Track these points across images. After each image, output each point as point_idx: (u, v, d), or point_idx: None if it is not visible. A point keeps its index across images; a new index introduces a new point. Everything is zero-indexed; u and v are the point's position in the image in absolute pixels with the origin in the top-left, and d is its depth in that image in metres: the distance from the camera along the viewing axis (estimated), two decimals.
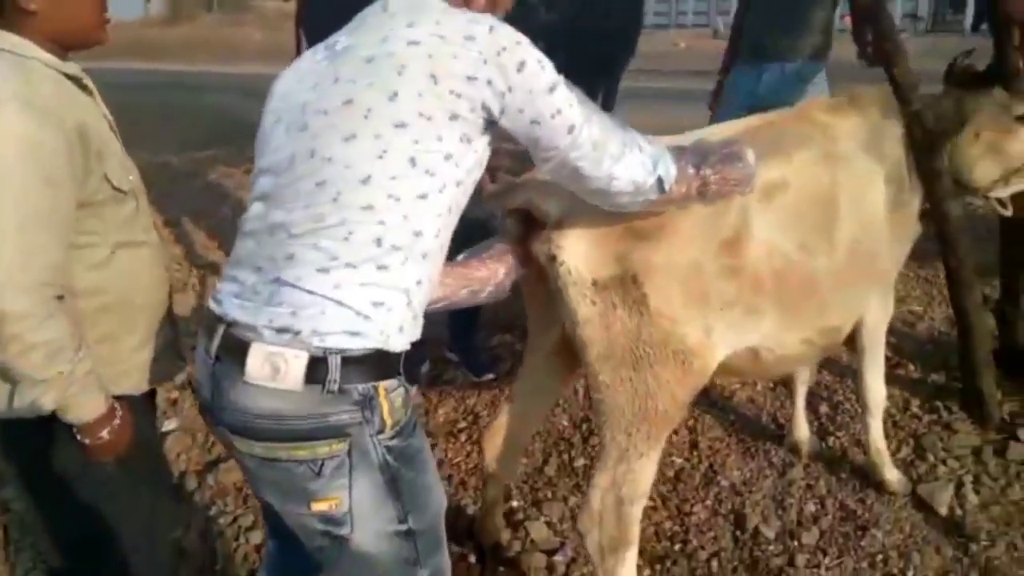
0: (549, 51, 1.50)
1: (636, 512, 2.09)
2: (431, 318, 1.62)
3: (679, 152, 1.76)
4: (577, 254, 1.93)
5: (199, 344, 1.54)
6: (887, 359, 3.43)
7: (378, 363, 1.43)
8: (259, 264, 1.47)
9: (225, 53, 23.53)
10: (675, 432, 3.13)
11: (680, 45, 23.04)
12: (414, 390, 3.45)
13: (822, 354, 2.48)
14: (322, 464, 1.44)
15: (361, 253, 1.40)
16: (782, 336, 2.22)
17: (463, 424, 3.30)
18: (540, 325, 2.31)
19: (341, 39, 1.56)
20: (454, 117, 1.42)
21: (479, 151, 1.51)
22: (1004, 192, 2.66)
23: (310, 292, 1.39)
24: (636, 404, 2.03)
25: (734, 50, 3.84)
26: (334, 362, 1.38)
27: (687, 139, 2.08)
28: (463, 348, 3.66)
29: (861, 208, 2.30)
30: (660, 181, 1.65)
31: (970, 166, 2.60)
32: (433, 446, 3.16)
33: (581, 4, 5.43)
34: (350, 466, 1.45)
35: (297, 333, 1.38)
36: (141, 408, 1.94)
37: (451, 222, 1.54)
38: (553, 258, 1.93)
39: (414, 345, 3.31)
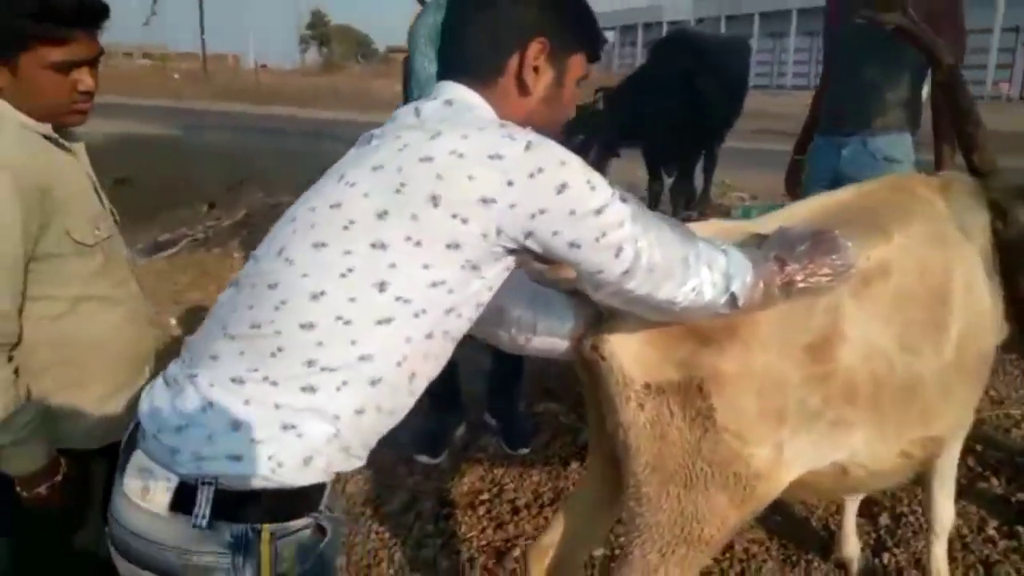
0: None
1: None
2: (473, 376, 1.28)
3: (757, 249, 1.43)
4: (628, 353, 1.55)
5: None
6: (968, 469, 2.98)
7: (266, 500, 1.15)
8: (191, 356, 1.23)
9: (366, 102, 24.02)
10: None
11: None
12: (442, 458, 3.12)
13: (921, 468, 2.01)
14: None
15: (286, 371, 1.16)
16: (876, 450, 1.77)
17: (486, 496, 2.94)
18: (598, 423, 1.80)
19: (376, 133, 1.29)
20: (453, 246, 1.17)
21: (489, 277, 1.25)
22: None
23: (210, 404, 1.16)
24: (680, 526, 1.62)
25: (812, 125, 3.43)
26: (205, 493, 1.13)
27: (768, 222, 1.70)
28: (501, 414, 3.32)
29: (974, 298, 1.87)
30: (733, 298, 1.34)
31: None
32: (448, 517, 2.82)
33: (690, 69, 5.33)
34: None
35: (175, 452, 1.15)
36: (104, 463, 1.74)
37: (434, 350, 1.25)
38: (599, 353, 1.56)
39: (450, 408, 2.90)
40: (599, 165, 5.06)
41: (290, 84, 27.29)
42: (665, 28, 40.32)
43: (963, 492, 2.83)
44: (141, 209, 8.64)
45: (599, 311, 1.56)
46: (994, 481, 2.90)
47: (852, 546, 2.53)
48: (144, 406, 1.23)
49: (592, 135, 5.00)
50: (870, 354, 1.66)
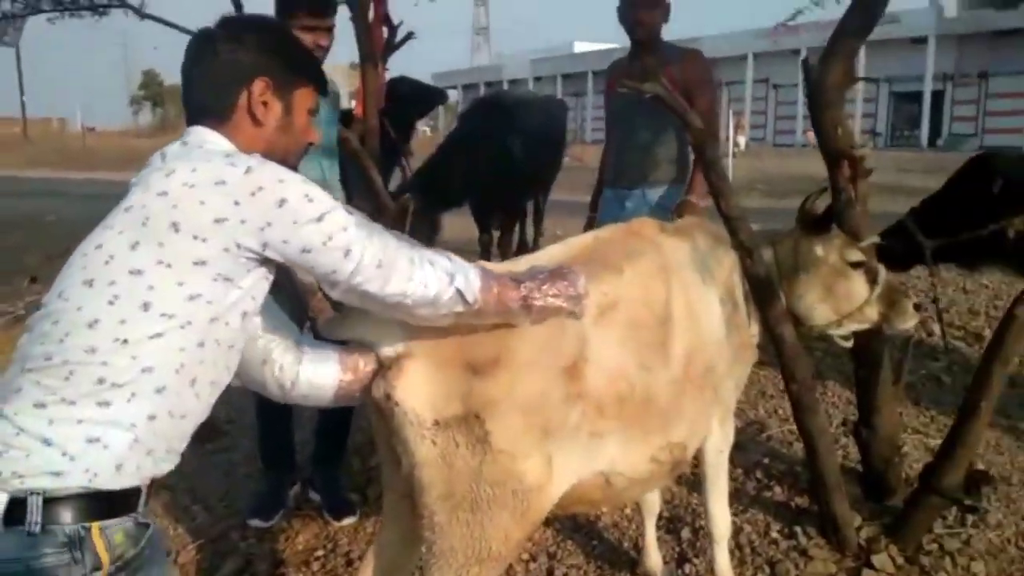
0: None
1: None
2: (306, 436, 1.44)
3: (504, 274, 1.70)
4: (416, 394, 1.74)
5: None
6: (757, 481, 3.34)
7: (88, 503, 1.34)
8: (2, 392, 1.37)
9: None
10: (532, 559, 2.89)
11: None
12: (275, 520, 3.13)
13: (672, 473, 2.30)
14: None
15: (80, 390, 1.34)
16: (629, 457, 2.06)
17: (320, 552, 2.98)
18: (392, 463, 1.95)
19: (132, 181, 1.50)
20: (200, 262, 1.40)
21: (246, 287, 1.48)
22: (839, 332, 2.63)
23: (20, 430, 1.32)
24: (470, 546, 1.81)
25: (602, 183, 3.81)
26: (34, 503, 1.29)
27: (522, 263, 1.96)
28: (324, 484, 3.25)
29: (695, 320, 2.20)
30: (459, 292, 1.57)
31: (807, 306, 2.57)
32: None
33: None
34: None
35: None
36: None
37: (209, 356, 1.45)
38: (389, 398, 1.74)
39: (282, 468, 2.95)
40: (429, 223, 5.27)
41: (119, 146, 26.21)
42: (506, 86, 41.91)
43: (752, 502, 3.19)
44: None
45: (380, 361, 1.74)
46: (777, 490, 3.25)
47: (654, 559, 2.79)
48: None
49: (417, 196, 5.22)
50: (612, 373, 1.95)
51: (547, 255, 2.09)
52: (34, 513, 1.29)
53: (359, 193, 3.89)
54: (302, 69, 1.68)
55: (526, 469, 1.81)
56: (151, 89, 50.79)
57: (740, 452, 3.53)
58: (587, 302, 1.79)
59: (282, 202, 1.41)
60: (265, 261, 1.48)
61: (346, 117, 4.19)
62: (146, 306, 1.37)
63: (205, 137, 1.56)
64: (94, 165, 22.48)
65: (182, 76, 1.63)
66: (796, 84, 34.47)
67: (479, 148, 5.56)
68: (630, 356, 2.00)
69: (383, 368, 1.75)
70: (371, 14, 4.67)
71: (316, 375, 1.72)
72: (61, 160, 24.33)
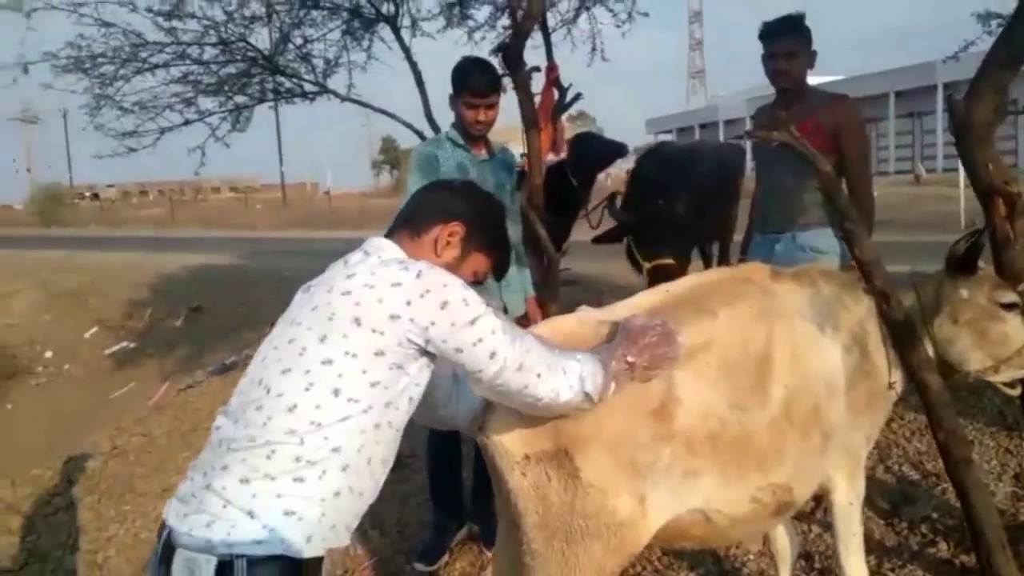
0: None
1: None
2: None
3: (607, 347, 1.86)
4: (506, 431, 1.95)
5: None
6: (922, 536, 3.16)
7: (283, 568, 1.54)
8: (205, 470, 1.63)
9: None
10: None
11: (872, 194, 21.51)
12: (439, 564, 3.35)
13: (778, 515, 2.29)
14: None
15: (280, 467, 1.56)
16: (726, 495, 2.11)
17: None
18: (500, 492, 2.15)
19: (312, 284, 1.79)
20: (379, 353, 1.62)
21: (413, 374, 1.69)
22: (997, 378, 2.49)
23: (227, 502, 1.55)
24: (565, 574, 1.97)
25: (752, 228, 3.82)
26: (240, 565, 1.51)
27: (619, 311, 2.12)
28: (480, 513, 3.44)
29: (800, 364, 2.21)
30: (587, 395, 1.76)
31: (958, 352, 2.47)
32: None
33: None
34: None
35: (209, 541, 1.52)
36: None
37: (383, 437, 1.69)
38: (484, 433, 1.97)
39: (451, 514, 3.23)
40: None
41: (360, 206, 28.86)
42: (722, 127, 41.17)
43: (912, 557, 3.03)
44: (211, 333, 9.46)
45: (488, 402, 1.97)
46: (943, 546, 3.04)
47: None
48: (170, 514, 1.63)
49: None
50: (704, 413, 2.03)
51: (646, 300, 2.22)
52: (241, 573, 1.50)
53: (528, 246, 4.18)
54: (490, 245, 1.93)
55: (617, 505, 1.94)
56: (389, 154, 55.40)
57: (910, 506, 3.37)
58: (681, 353, 1.92)
59: (444, 304, 1.63)
60: (427, 353, 1.68)
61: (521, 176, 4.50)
62: (337, 392, 1.59)
63: (382, 247, 1.79)
64: (337, 224, 24.84)
65: (413, 195, 2.00)
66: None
67: (645, 191, 5.66)
68: (722, 396, 2.07)
69: (485, 409, 1.98)
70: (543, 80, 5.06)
71: (468, 412, 2.00)
72: (309, 221, 27.13)
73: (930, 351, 2.50)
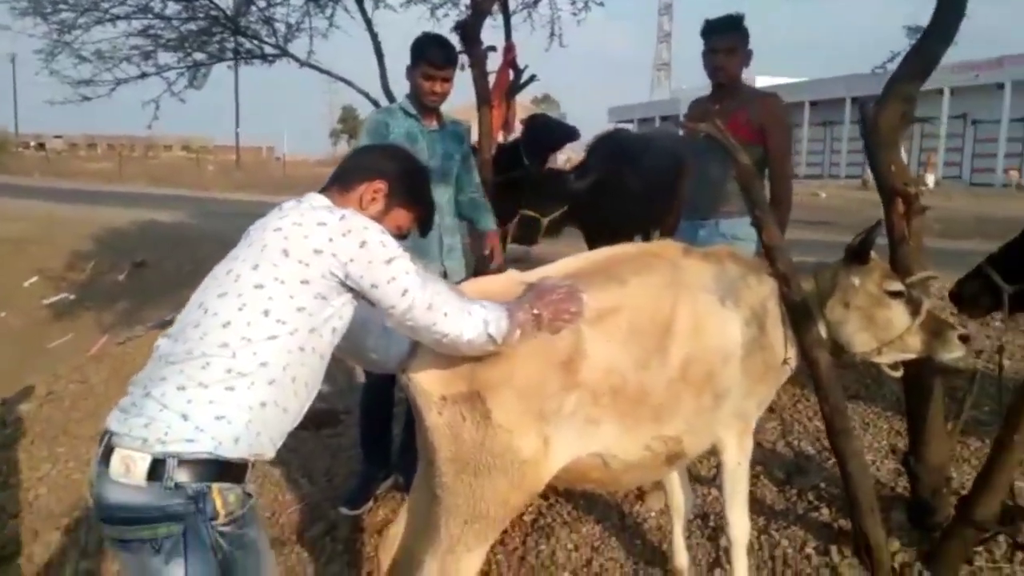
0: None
1: None
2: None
3: (517, 301, 2.06)
4: (426, 373, 2.16)
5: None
6: (808, 502, 3.47)
7: (211, 467, 1.74)
8: (144, 382, 1.81)
9: None
10: (575, 548, 3.21)
11: (820, 195, 22.05)
12: (363, 509, 3.54)
13: (670, 464, 2.55)
14: (161, 543, 1.72)
15: (213, 377, 1.76)
16: (623, 442, 2.36)
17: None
18: (420, 432, 2.40)
19: (252, 226, 1.98)
20: (305, 282, 1.83)
21: (336, 306, 1.90)
22: (881, 359, 2.76)
23: (164, 406, 1.73)
24: (472, 505, 2.19)
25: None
26: (171, 463, 1.70)
27: (536, 273, 2.35)
28: (406, 465, 3.49)
29: (700, 332, 2.45)
30: (491, 336, 1.96)
31: (847, 334, 2.73)
32: (357, 540, 3.32)
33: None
34: (185, 544, 1.73)
35: (145, 440, 1.71)
36: None
37: (307, 360, 1.88)
38: (407, 375, 2.18)
39: (378, 462, 3.42)
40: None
41: (315, 174, 28.69)
42: (682, 120, 41.57)
43: (796, 519, 3.33)
44: (154, 289, 9.46)
45: (413, 346, 2.18)
46: (824, 511, 3.35)
47: (681, 559, 3.02)
48: (112, 421, 1.79)
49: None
50: (608, 368, 2.27)
51: (565, 265, 2.46)
52: (171, 471, 1.68)
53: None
54: (412, 201, 2.13)
55: (522, 445, 2.17)
56: (348, 123, 54.95)
57: (801, 476, 3.67)
58: (586, 310, 2.15)
59: (363, 243, 1.84)
60: (350, 289, 1.89)
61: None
62: (266, 312, 1.80)
63: (314, 198, 2.01)
64: (288, 189, 24.59)
65: (351, 152, 2.19)
66: (998, 120, 32.17)
67: (597, 181, 5.94)
68: (627, 355, 2.32)
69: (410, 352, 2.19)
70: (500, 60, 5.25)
71: (395, 353, 2.21)
72: (260, 185, 26.85)
73: (823, 332, 2.77)
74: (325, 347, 1.93)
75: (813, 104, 38.38)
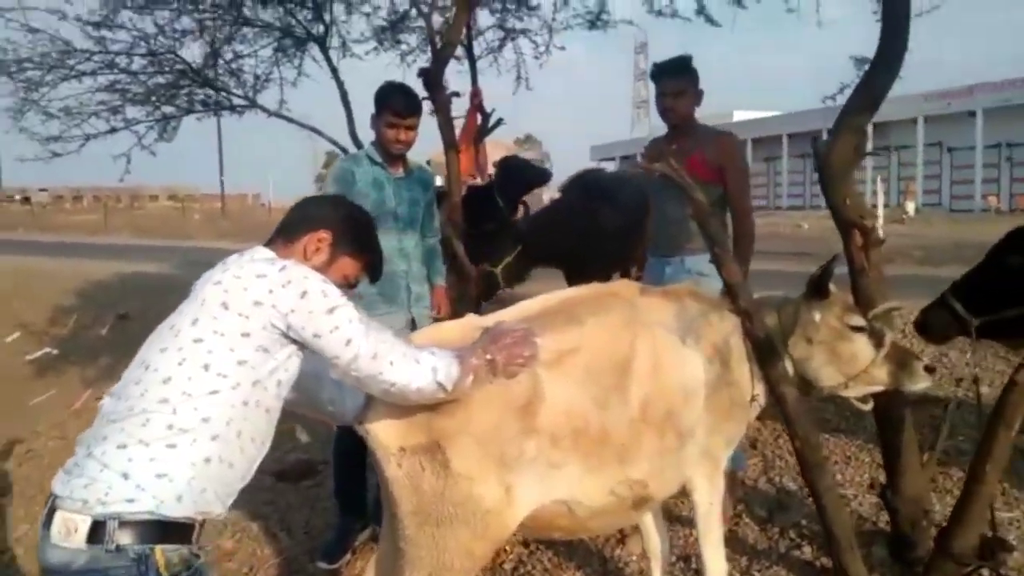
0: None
1: None
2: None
3: (470, 346, 2.03)
4: (383, 424, 2.13)
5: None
6: (790, 540, 3.43)
7: (153, 528, 1.69)
8: (88, 442, 1.78)
9: None
10: None
11: (803, 226, 21.87)
12: (341, 563, 3.49)
13: (637, 509, 2.51)
14: None
15: (154, 434, 1.72)
16: (587, 487, 2.32)
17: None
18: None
19: (200, 278, 1.96)
20: (245, 334, 1.80)
21: (280, 359, 1.87)
22: (849, 393, 2.75)
23: (104, 466, 1.70)
24: (436, 557, 2.16)
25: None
26: (112, 525, 1.66)
27: (493, 318, 2.33)
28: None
29: (659, 371, 2.43)
30: (440, 385, 1.93)
31: (813, 369, 2.73)
32: None
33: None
34: None
35: (86, 502, 1.67)
36: None
37: (251, 415, 1.85)
38: (364, 427, 2.15)
39: (355, 513, 3.34)
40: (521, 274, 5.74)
41: None
42: None
43: (778, 559, 3.30)
44: (137, 341, 9.37)
45: (368, 397, 2.15)
46: (807, 549, 3.31)
47: None
48: (56, 483, 1.76)
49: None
50: (567, 410, 2.25)
51: (522, 309, 2.45)
52: (112, 534, 1.64)
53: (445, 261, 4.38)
54: (358, 249, 2.10)
55: (483, 493, 2.14)
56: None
57: (783, 513, 3.64)
58: (541, 353, 2.13)
59: (304, 294, 1.81)
60: (294, 342, 1.85)
61: (440, 196, 4.70)
62: (207, 367, 1.76)
63: (257, 250, 1.99)
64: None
65: (291, 208, 2.18)
66: (973, 147, 32.60)
67: (570, 219, 5.96)
68: (586, 395, 2.30)
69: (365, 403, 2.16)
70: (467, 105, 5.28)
71: (351, 405, 2.17)
72: (246, 232, 26.78)
73: (789, 367, 2.76)
74: (271, 400, 1.89)
75: (791, 136, 38.83)
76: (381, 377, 1.88)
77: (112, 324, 10.50)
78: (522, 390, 2.18)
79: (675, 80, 3.73)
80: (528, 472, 2.20)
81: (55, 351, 10.06)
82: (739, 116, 45.27)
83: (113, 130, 5.39)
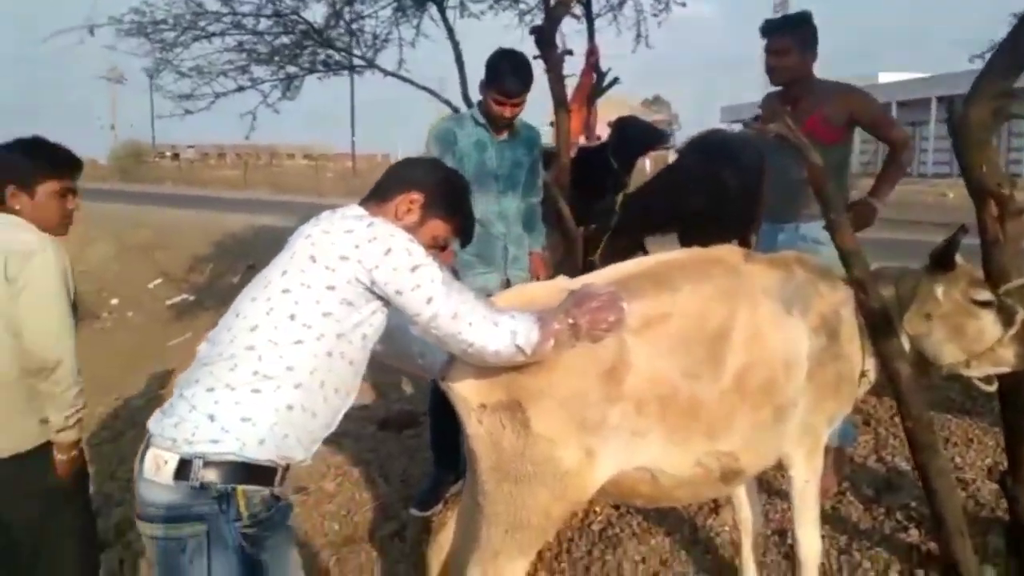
0: None
1: None
2: None
3: (553, 309, 2.00)
4: (465, 381, 2.14)
5: None
6: (897, 522, 3.26)
7: (237, 469, 1.77)
8: (181, 384, 1.88)
9: None
10: (643, 560, 3.12)
11: (947, 195, 20.70)
12: (433, 511, 3.55)
13: (726, 482, 2.42)
14: (185, 542, 1.77)
15: (240, 379, 1.79)
16: (673, 457, 2.26)
17: None
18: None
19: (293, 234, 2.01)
20: (330, 287, 1.84)
21: (365, 313, 1.90)
22: (971, 373, 2.58)
23: (193, 407, 1.78)
24: (513, 514, 2.16)
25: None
26: (197, 464, 1.75)
27: (583, 280, 2.28)
28: None
29: (759, 341, 2.33)
30: (519, 348, 1.91)
31: (932, 345, 2.57)
32: (424, 541, 3.33)
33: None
34: (208, 545, 1.76)
35: (174, 440, 1.76)
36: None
37: (336, 366, 1.89)
38: (447, 383, 2.17)
39: (448, 465, 3.43)
40: (626, 249, 5.58)
41: None
42: None
43: (881, 540, 3.13)
44: None
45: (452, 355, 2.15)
46: (913, 532, 3.12)
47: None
48: (151, 423, 1.87)
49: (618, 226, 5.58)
50: (654, 378, 2.18)
51: (614, 272, 2.38)
52: (197, 471, 1.73)
53: (550, 223, 4.34)
54: (449, 212, 2.10)
55: (563, 455, 2.12)
56: None
57: (891, 493, 3.46)
58: (630, 319, 2.08)
59: (388, 251, 1.84)
60: (379, 297, 1.88)
61: (549, 156, 4.64)
62: (293, 317, 1.82)
63: (350, 208, 2.03)
64: None
65: (386, 169, 2.23)
66: None
67: (688, 181, 5.78)
68: (676, 365, 2.22)
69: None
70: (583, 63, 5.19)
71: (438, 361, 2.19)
72: None
73: (905, 343, 2.60)
74: (355, 353, 1.93)
75: (940, 100, 36.20)
76: (460, 337, 1.88)
77: (243, 273, 11.14)
78: (608, 355, 2.13)
79: (777, 38, 3.53)
80: (611, 438, 2.16)
81: (192, 297, 10.79)
82: (884, 78, 42.67)
83: (240, 89, 5.63)
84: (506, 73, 3.47)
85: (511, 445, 2.12)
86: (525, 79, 3.52)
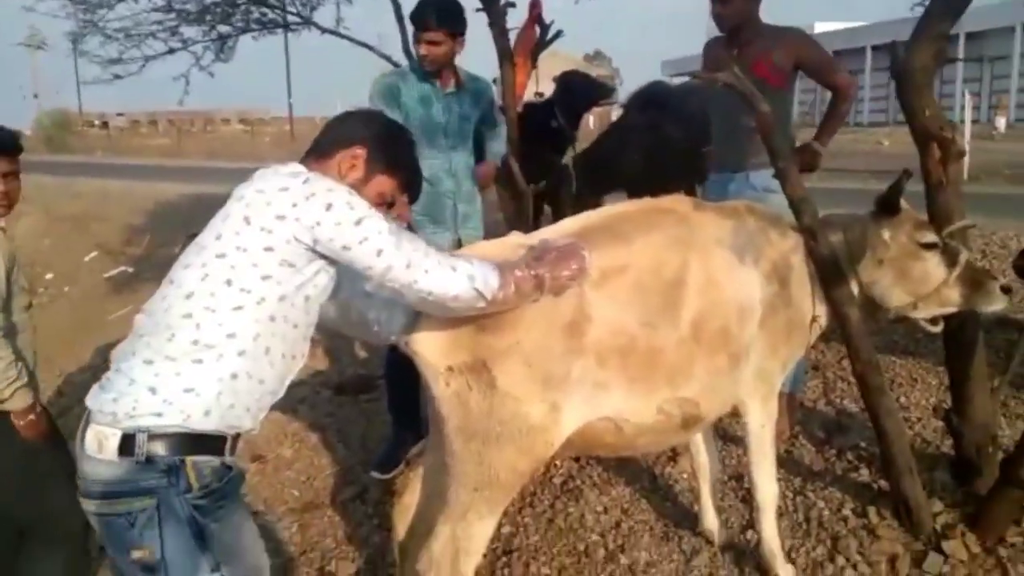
0: None
1: (467, 568, 2.19)
2: None
3: (515, 261, 1.98)
4: (429, 344, 2.12)
5: None
6: (848, 462, 3.36)
7: (183, 440, 1.72)
8: (117, 358, 1.81)
9: None
10: (604, 510, 3.17)
11: (884, 144, 20.82)
12: (394, 474, 3.52)
13: (688, 428, 2.46)
14: (136, 517, 1.71)
15: (179, 349, 1.73)
16: (635, 406, 2.29)
17: None
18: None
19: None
20: (268, 249, 1.76)
21: (308, 274, 1.83)
22: (917, 315, 2.65)
23: (132, 380, 1.72)
24: (481, 472, 2.16)
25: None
26: (141, 438, 1.69)
27: (535, 237, 2.27)
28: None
29: (713, 289, 2.36)
30: (479, 292, 1.86)
31: (880, 288, 2.62)
32: (386, 503, 3.33)
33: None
34: (159, 519, 1.71)
35: (115, 415, 1.70)
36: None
37: (279, 330, 1.82)
38: (411, 348, 2.14)
39: (408, 426, 3.43)
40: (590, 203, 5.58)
41: None
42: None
43: (834, 480, 3.23)
44: None
45: (413, 317, 2.12)
46: (864, 471, 3.23)
47: (710, 521, 2.96)
48: (89, 399, 1.80)
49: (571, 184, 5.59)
50: (614, 330, 2.20)
51: (566, 226, 2.38)
52: (141, 446, 1.68)
53: (500, 179, 4.30)
54: (393, 166, 2.01)
55: (530, 411, 2.13)
56: None
57: (841, 435, 3.57)
58: (588, 266, 2.07)
59: (329, 206, 1.75)
60: (323, 256, 1.81)
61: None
62: (229, 282, 1.74)
63: (284, 166, 1.91)
64: None
65: (324, 125, 2.13)
66: None
67: (635, 136, 5.78)
68: (634, 316, 2.24)
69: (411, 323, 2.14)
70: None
71: (397, 325, 2.13)
72: None
73: (854, 288, 2.65)
74: (299, 316, 1.86)
75: (875, 48, 36.77)
76: (417, 286, 1.82)
77: (184, 243, 10.82)
78: (568, 309, 2.13)
79: None
80: (574, 391, 2.17)
81: (130, 269, 10.46)
82: (821, 28, 43.10)
83: (171, 51, 5.39)
84: (424, 6, 3.40)
85: (478, 405, 2.12)
86: (444, 16, 3.40)
